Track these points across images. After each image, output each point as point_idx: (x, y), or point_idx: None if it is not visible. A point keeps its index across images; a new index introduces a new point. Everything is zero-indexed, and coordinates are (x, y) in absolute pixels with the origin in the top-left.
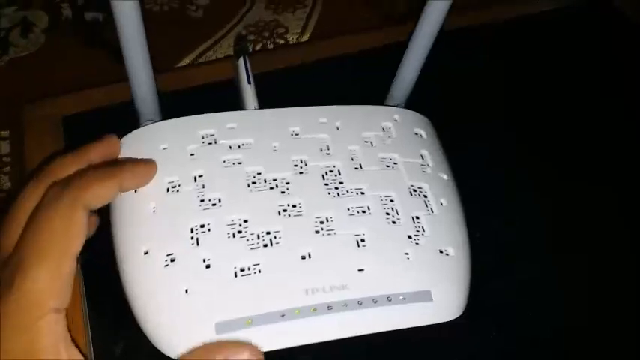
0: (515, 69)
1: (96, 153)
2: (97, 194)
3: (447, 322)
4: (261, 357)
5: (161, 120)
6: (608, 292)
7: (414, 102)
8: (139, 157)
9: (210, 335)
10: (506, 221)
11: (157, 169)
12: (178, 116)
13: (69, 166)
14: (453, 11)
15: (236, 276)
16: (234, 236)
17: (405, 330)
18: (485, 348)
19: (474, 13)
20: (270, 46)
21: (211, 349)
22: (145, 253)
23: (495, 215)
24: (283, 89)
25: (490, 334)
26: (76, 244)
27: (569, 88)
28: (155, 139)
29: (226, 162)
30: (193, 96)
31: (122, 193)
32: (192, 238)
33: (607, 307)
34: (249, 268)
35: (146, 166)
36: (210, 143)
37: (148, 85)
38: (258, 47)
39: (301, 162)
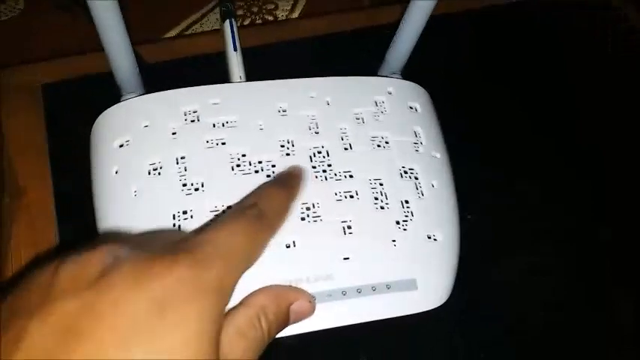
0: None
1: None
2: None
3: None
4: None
5: (143, 93)
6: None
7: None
8: (119, 135)
9: None
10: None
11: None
12: (163, 89)
13: None
14: None
15: None
16: None
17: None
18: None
19: None
20: (259, 22)
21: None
22: None
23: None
24: (272, 65)
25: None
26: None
27: (576, 69)
28: (136, 116)
29: (210, 142)
30: (179, 68)
31: (104, 176)
32: (174, 225)
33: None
34: None
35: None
36: (192, 120)
37: (126, 58)
38: (246, 22)
39: (288, 142)
